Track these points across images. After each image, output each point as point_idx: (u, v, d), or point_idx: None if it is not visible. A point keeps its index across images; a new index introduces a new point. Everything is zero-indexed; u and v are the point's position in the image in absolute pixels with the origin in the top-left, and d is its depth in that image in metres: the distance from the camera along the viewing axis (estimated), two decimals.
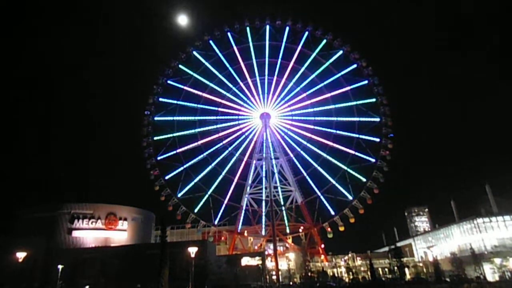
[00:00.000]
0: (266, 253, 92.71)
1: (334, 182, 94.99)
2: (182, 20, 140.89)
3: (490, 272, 74.53)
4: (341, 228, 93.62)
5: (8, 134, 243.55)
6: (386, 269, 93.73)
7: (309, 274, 78.51)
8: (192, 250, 52.10)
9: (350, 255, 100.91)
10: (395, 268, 77.81)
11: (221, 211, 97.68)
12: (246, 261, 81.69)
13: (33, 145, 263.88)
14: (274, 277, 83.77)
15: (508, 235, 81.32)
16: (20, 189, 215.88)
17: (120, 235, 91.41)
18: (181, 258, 60.59)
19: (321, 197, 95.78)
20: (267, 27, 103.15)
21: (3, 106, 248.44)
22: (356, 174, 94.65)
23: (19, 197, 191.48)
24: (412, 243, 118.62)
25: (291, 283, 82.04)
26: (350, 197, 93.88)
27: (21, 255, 56.72)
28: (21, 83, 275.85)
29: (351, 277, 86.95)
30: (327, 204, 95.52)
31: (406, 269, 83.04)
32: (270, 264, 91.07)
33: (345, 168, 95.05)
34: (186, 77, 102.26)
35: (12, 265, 59.80)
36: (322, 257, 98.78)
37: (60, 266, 67.40)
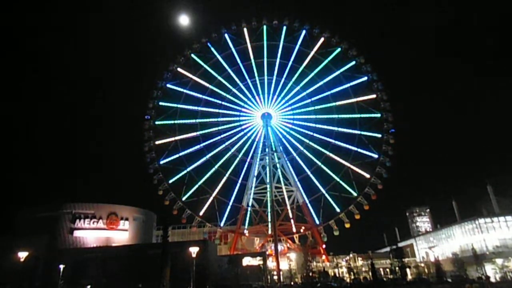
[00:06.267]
0: (267, 252, 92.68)
1: (338, 179, 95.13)
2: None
3: (492, 273, 74.38)
4: (347, 225, 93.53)
5: (9, 134, 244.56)
6: (388, 270, 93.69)
7: (310, 274, 78.45)
8: (193, 250, 52.23)
9: (351, 255, 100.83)
10: (397, 268, 77.89)
11: (226, 212, 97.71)
12: (247, 261, 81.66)
13: (34, 146, 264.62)
14: (275, 277, 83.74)
15: (510, 236, 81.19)
16: (21, 189, 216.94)
17: (121, 235, 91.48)
18: (182, 258, 60.52)
19: (326, 194, 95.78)
20: (264, 27, 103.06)
21: (4, 106, 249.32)
22: (360, 171, 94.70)
23: (20, 197, 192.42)
24: (413, 243, 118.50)
25: (292, 283, 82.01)
26: (355, 194, 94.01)
27: (22, 255, 56.84)
28: (22, 83, 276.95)
29: (352, 277, 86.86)
30: (332, 202, 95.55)
31: (408, 270, 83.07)
32: (271, 264, 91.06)
33: (348, 165, 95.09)
34: (186, 80, 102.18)
35: (14, 264, 59.95)
36: (323, 257, 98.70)
37: (61, 266, 67.63)
